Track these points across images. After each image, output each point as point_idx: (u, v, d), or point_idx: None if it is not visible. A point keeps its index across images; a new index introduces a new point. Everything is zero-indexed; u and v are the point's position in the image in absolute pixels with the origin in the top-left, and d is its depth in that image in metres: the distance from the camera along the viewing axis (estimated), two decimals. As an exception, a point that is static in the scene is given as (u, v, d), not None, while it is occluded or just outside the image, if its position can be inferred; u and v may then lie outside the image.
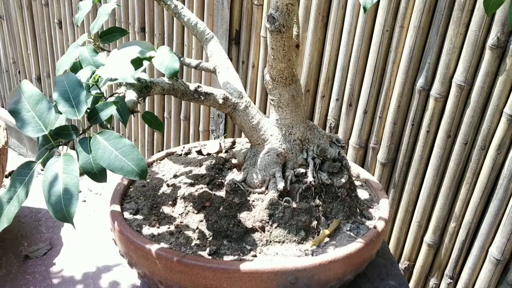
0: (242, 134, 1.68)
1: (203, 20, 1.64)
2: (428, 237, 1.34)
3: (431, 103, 1.23)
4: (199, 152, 1.11)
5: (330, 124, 1.44)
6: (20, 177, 0.62)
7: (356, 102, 1.37)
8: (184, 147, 1.13)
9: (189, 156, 1.11)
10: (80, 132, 0.63)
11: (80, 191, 1.21)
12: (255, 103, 1.58)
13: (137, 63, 0.73)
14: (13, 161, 1.45)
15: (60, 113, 0.63)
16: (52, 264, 0.97)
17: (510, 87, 1.11)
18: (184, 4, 1.68)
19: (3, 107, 2.82)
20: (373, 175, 1.40)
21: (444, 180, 1.26)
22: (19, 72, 2.59)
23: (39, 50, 2.39)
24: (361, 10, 1.27)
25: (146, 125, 2.06)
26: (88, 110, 0.64)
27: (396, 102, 1.28)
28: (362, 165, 1.43)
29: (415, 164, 1.30)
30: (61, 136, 0.63)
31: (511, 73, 1.09)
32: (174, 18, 1.75)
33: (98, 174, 0.63)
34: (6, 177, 1.26)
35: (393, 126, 1.31)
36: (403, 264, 1.42)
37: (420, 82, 1.23)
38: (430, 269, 1.38)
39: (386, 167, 1.37)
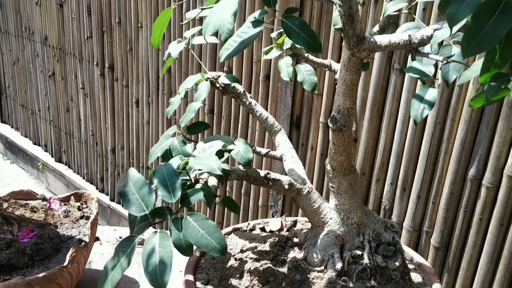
0: (299, 211, 1.78)
1: (267, 106, 1.80)
2: (484, 325, 1.34)
3: (483, 191, 1.29)
4: (262, 229, 1.21)
5: (385, 206, 1.52)
6: (123, 248, 0.75)
7: (410, 187, 1.45)
8: (249, 224, 1.24)
9: (253, 232, 1.21)
10: (174, 213, 0.76)
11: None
12: (312, 182, 1.69)
13: (219, 154, 0.87)
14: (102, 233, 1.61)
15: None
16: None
17: (560, 180, 1.16)
18: (250, 90, 1.86)
19: (78, 174, 3.09)
20: (427, 258, 1.44)
21: (499, 268, 1.29)
22: (96, 143, 2.85)
23: (116, 125, 2.65)
24: (415, 103, 1.38)
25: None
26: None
27: (448, 189, 1.35)
28: (416, 247, 1.47)
29: (469, 250, 1.34)
30: (158, 215, 0.76)
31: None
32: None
33: (186, 249, 0.75)
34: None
35: (446, 212, 1.37)
36: None
37: (472, 171, 1.30)
38: None
39: (440, 250, 1.41)
